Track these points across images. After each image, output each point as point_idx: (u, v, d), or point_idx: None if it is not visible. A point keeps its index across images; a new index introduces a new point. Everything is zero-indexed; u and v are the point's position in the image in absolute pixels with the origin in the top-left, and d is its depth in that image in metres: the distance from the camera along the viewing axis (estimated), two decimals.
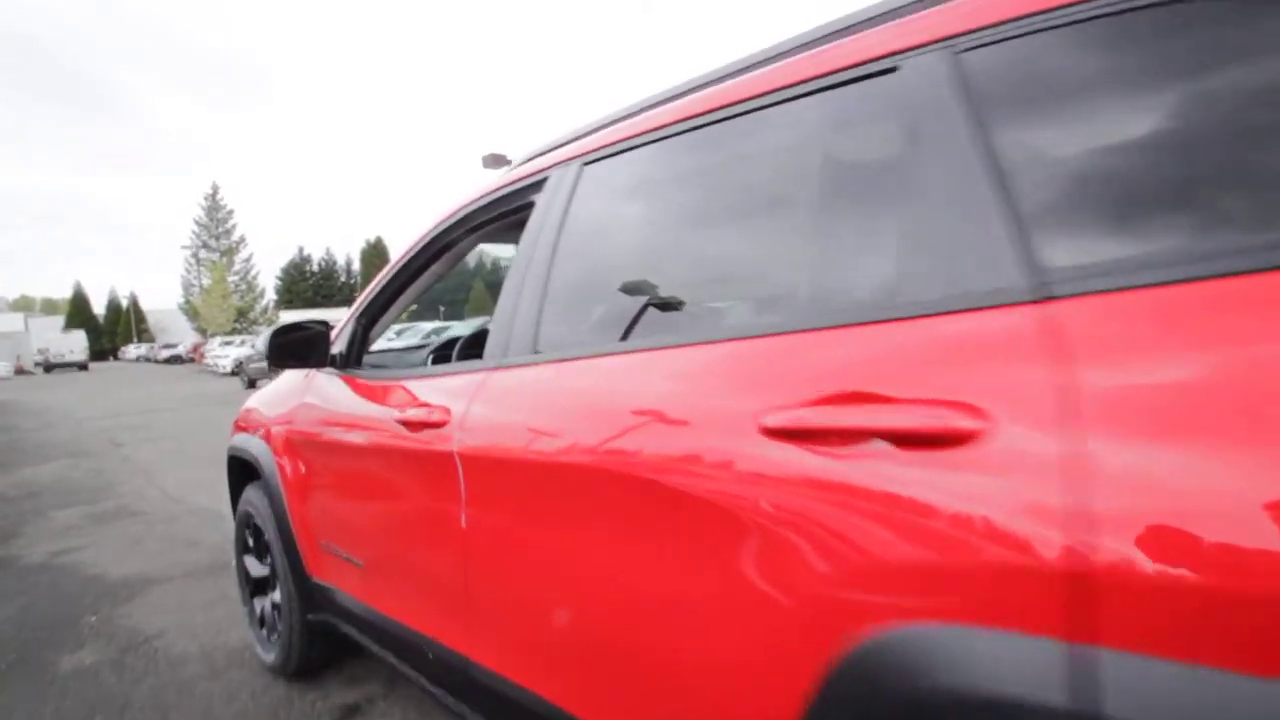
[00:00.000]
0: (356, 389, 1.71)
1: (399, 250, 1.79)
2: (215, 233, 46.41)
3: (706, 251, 1.12)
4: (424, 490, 1.36)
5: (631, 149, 1.16)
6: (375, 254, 59.94)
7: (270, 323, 43.75)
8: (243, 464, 2.21)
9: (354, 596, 1.67)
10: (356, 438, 1.60)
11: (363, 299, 1.88)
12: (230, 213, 47.26)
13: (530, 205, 1.36)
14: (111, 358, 50.34)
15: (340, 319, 1.97)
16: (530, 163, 1.43)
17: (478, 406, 1.22)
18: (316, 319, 1.90)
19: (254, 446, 2.11)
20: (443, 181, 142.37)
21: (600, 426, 0.98)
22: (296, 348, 1.77)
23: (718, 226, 1.10)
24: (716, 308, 1.13)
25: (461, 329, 17.92)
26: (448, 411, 1.28)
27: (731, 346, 0.89)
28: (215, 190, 47.15)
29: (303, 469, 1.90)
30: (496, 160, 5.48)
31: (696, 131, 1.06)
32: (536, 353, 1.18)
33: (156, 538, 3.95)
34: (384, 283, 1.82)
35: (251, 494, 2.18)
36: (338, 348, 1.87)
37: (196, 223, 46.46)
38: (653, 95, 1.20)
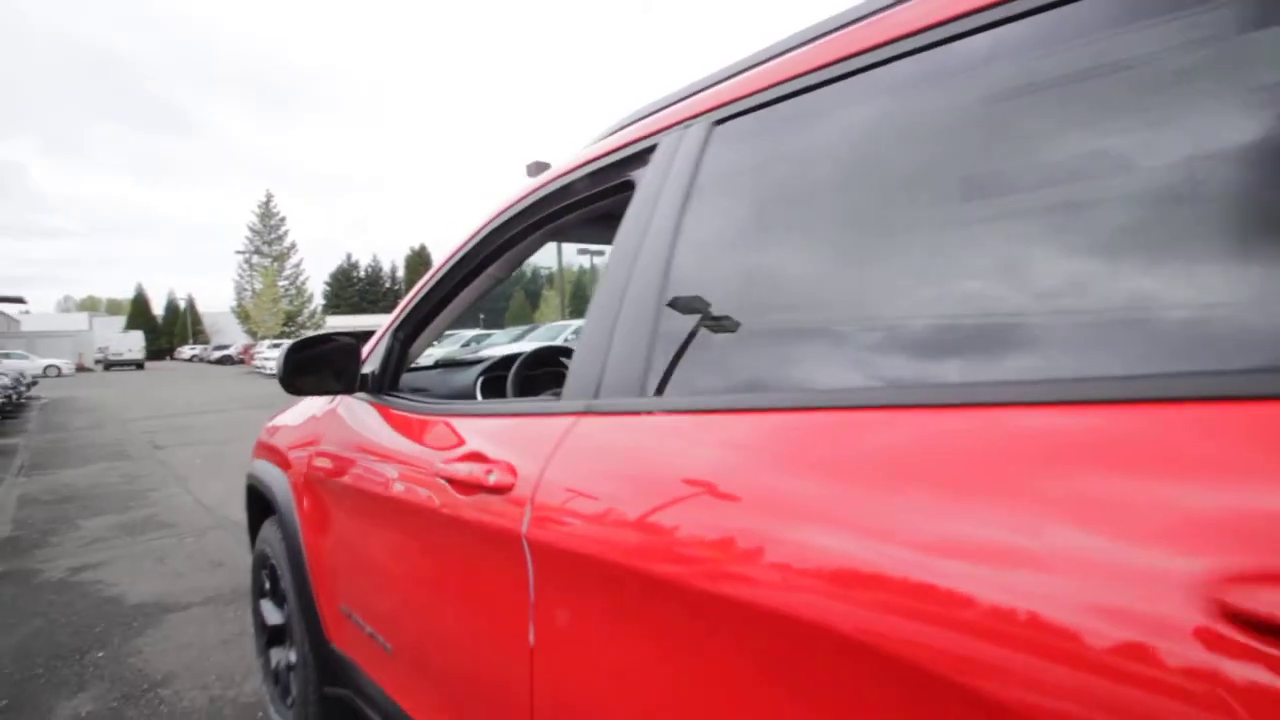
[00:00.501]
0: (391, 421, 1.36)
1: (443, 254, 1.45)
2: (268, 239, 47.85)
3: (934, 246, 0.66)
4: (476, 578, 0.99)
5: (794, 94, 0.78)
6: (420, 261, 61.20)
7: (318, 326, 44.77)
8: (260, 496, 1.89)
9: (379, 685, 1.32)
10: (387, 486, 1.25)
11: (400, 310, 1.54)
12: (282, 219, 48.69)
13: (627, 186, 0.99)
14: (168, 357, 52.22)
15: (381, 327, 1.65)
16: (625, 131, 1.06)
17: (560, 470, 0.84)
18: (359, 329, 1.58)
19: (271, 478, 1.79)
20: (483, 189, 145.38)
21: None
22: (319, 366, 1.44)
23: (949, 206, 0.67)
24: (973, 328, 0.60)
25: (502, 339, 17.50)
26: (513, 471, 0.91)
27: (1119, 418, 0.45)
28: (269, 198, 48.66)
29: (324, 512, 1.57)
30: (540, 168, 5.21)
31: (910, 60, 0.67)
32: (649, 395, 0.81)
33: (183, 554, 3.71)
34: (426, 291, 1.47)
35: (269, 531, 1.86)
36: (370, 367, 1.54)
37: (250, 229, 48.00)
38: (835, 17, 0.82)
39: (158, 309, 57.37)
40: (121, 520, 4.51)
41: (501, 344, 14.70)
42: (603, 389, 0.85)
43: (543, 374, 1.84)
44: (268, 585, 1.93)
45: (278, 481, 1.76)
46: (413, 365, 1.66)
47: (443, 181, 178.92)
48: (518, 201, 1.23)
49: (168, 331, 55.48)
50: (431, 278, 1.45)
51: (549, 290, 48.35)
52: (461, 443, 1.08)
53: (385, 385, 1.52)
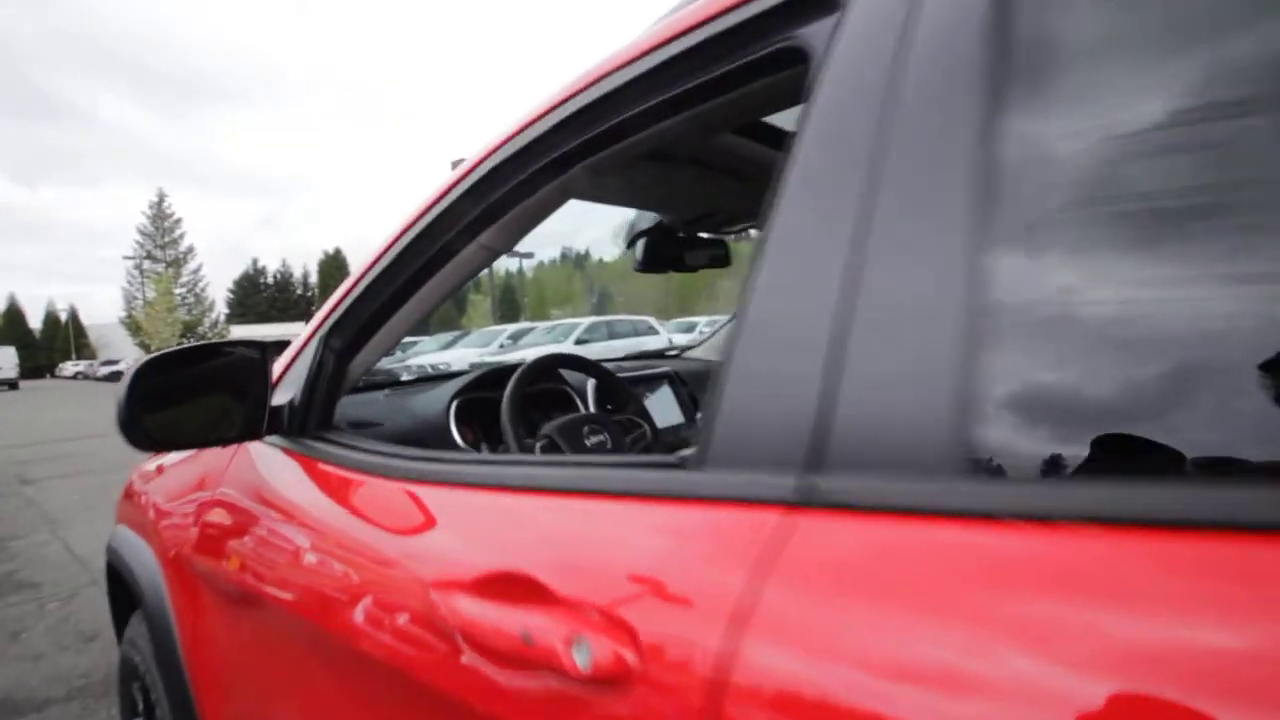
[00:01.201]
0: (325, 486, 0.89)
1: (400, 221, 0.97)
2: (161, 242, 44.08)
3: None
4: None
5: None
6: (335, 266, 58.09)
7: (221, 336, 41.66)
8: (120, 579, 1.34)
9: None
10: (324, 609, 0.76)
11: (332, 309, 1.06)
12: (177, 221, 45.01)
13: (787, 62, 0.57)
14: (47, 375, 47.29)
15: (298, 337, 1.14)
16: None
17: (776, 648, 0.38)
18: (269, 339, 1.09)
19: (135, 555, 1.26)
20: (404, 191, 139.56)
21: None
22: (197, 395, 0.94)
23: None
24: None
25: (431, 346, 16.69)
26: (633, 639, 0.44)
27: None
28: (161, 198, 44.91)
29: (217, 616, 1.05)
30: None
31: None
32: (964, 468, 0.36)
33: (45, 627, 2.98)
34: (371, 279, 0.99)
35: (136, 629, 1.31)
36: (286, 394, 1.05)
37: (141, 232, 44.08)
38: None
39: (35, 321, 51.85)
40: None
41: (430, 351, 13.85)
42: (833, 454, 0.42)
43: (534, 392, 1.38)
44: (140, 705, 1.37)
45: (142, 561, 1.23)
46: (353, 386, 1.16)
47: (359, 182, 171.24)
48: (534, 123, 0.76)
49: (47, 346, 50.26)
50: (380, 259, 0.97)
51: (476, 295, 46.92)
52: (471, 541, 0.62)
53: (313, 422, 1.03)
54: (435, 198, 0.91)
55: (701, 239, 1.56)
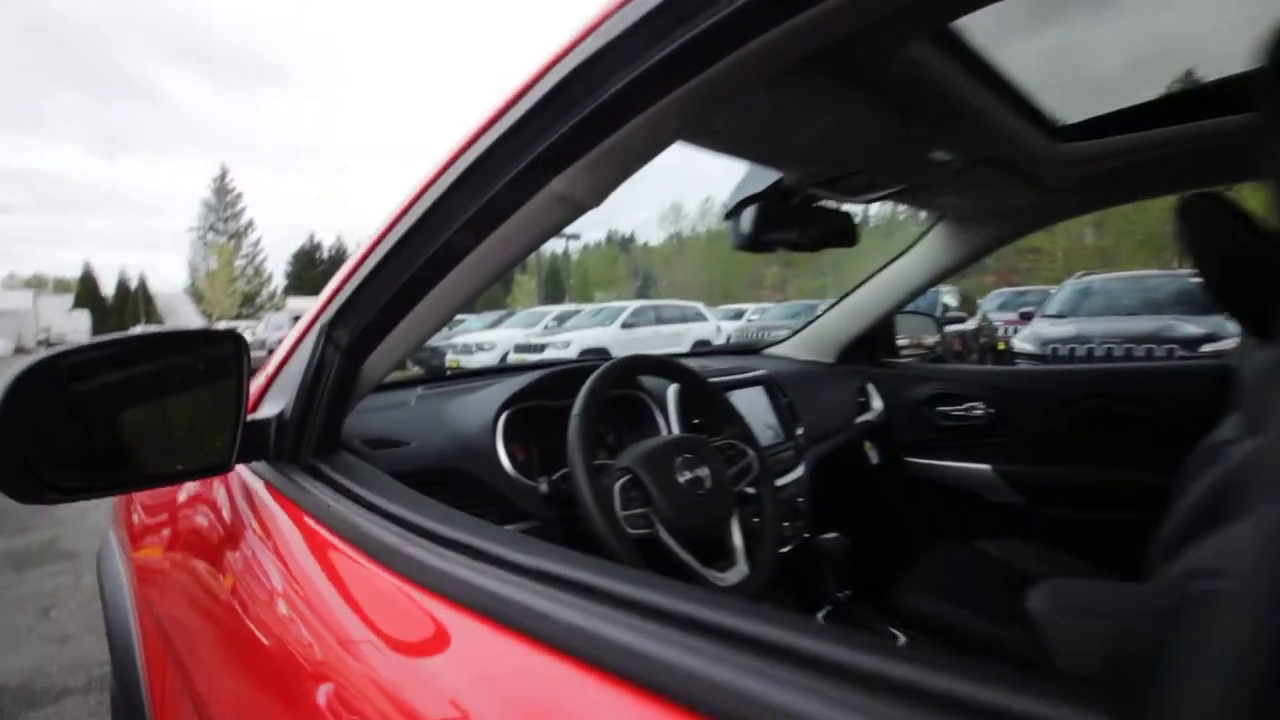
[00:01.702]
0: (304, 558, 0.60)
1: (443, 155, 0.65)
2: (223, 215, 45.55)
3: None
4: None
5: None
6: None
7: (278, 308, 42.94)
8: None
9: None
10: None
11: (339, 288, 0.77)
12: (239, 196, 46.41)
13: None
14: None
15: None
16: None
17: None
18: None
19: (109, 566, 1.04)
20: None
21: None
22: (140, 408, 0.66)
23: None
24: None
25: (477, 325, 16.77)
26: None
27: None
28: (224, 173, 46.33)
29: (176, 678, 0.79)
30: None
31: None
32: None
33: (76, 604, 2.87)
34: (399, 239, 0.69)
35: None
36: (277, 404, 0.76)
37: (204, 205, 45.63)
38: None
39: (108, 288, 54.48)
40: (8, 548, 3.61)
41: (476, 330, 13.77)
42: None
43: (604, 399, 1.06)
44: None
45: (112, 575, 0.99)
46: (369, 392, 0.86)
47: (413, 160, 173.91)
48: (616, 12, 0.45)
49: (118, 311, 52.73)
50: (405, 214, 0.66)
51: (522, 275, 47.09)
52: None
53: (310, 443, 0.74)
54: (483, 125, 0.59)
55: (826, 210, 1.21)
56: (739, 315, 16.75)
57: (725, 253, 55.48)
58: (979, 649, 1.22)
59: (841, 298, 1.99)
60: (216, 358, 0.72)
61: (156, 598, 0.86)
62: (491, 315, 16.23)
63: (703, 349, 2.81)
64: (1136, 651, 0.85)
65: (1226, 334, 5.74)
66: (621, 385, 1.20)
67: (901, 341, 2.13)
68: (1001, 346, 8.25)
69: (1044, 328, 6.94)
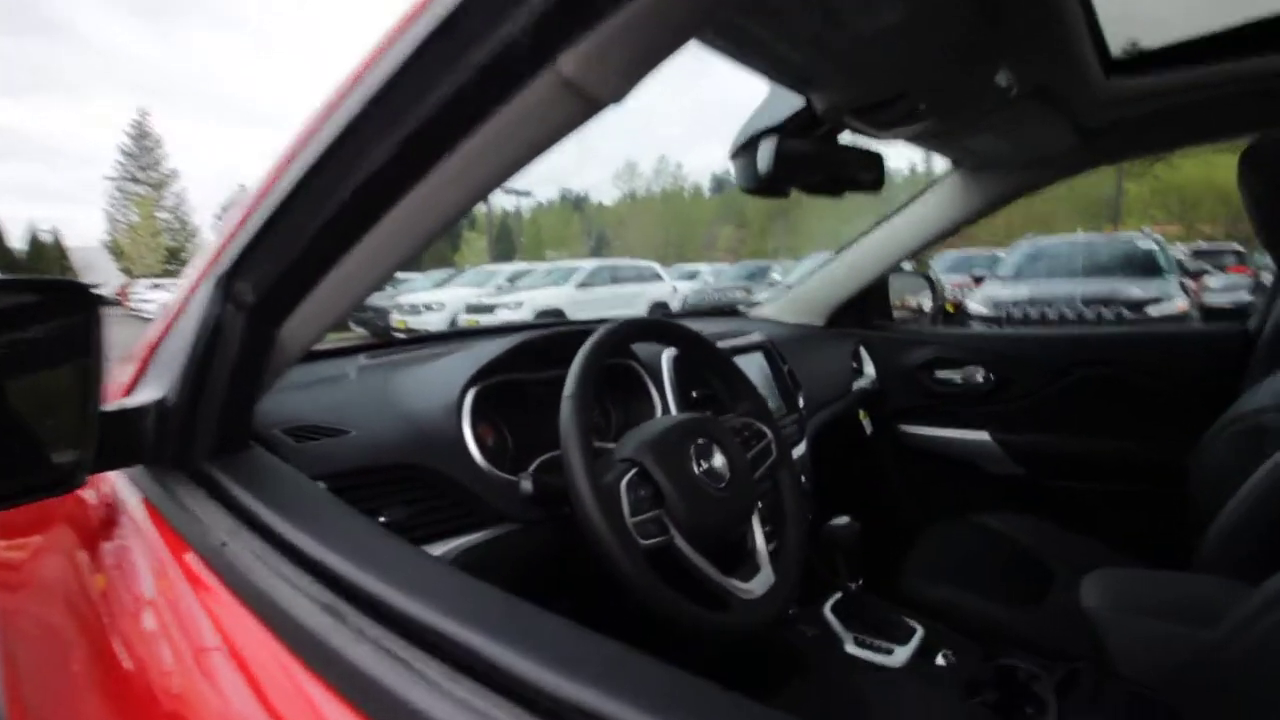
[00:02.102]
0: (227, 658, 0.41)
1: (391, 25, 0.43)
2: (143, 163, 42.23)
3: None
4: None
5: None
6: None
7: None
8: None
9: None
10: None
11: (238, 226, 0.53)
12: (159, 142, 43.05)
13: None
14: None
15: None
16: None
17: None
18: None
19: None
20: None
21: None
22: None
23: None
24: None
25: (424, 284, 16.28)
26: None
27: None
28: (143, 116, 42.81)
29: None
30: None
31: None
32: None
33: None
34: (328, 147, 0.47)
35: None
36: (153, 389, 0.54)
37: (123, 152, 42.17)
38: None
39: (18, 242, 50.17)
40: None
41: (423, 289, 13.17)
42: None
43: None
44: None
45: None
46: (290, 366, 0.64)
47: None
48: None
49: (31, 269, 48.75)
50: (329, 118, 0.44)
51: (470, 231, 45.57)
52: None
53: (205, 441, 0.54)
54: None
55: (853, 148, 1.03)
56: (694, 276, 16.58)
57: (680, 214, 55.07)
58: (994, 635, 1.12)
59: (833, 256, 1.83)
60: (67, 322, 0.50)
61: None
62: (439, 274, 15.57)
63: (686, 311, 2.62)
64: (1226, 665, 0.69)
65: (1170, 296, 5.92)
66: (618, 353, 1.01)
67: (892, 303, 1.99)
68: (951, 309, 8.37)
69: (997, 289, 7.04)
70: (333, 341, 1.10)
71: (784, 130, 0.95)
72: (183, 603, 0.45)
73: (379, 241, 0.49)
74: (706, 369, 0.95)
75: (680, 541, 0.72)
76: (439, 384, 0.86)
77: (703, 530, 0.73)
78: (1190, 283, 6.60)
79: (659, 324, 0.88)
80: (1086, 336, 1.63)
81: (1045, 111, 1.09)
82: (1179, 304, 5.82)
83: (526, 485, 0.73)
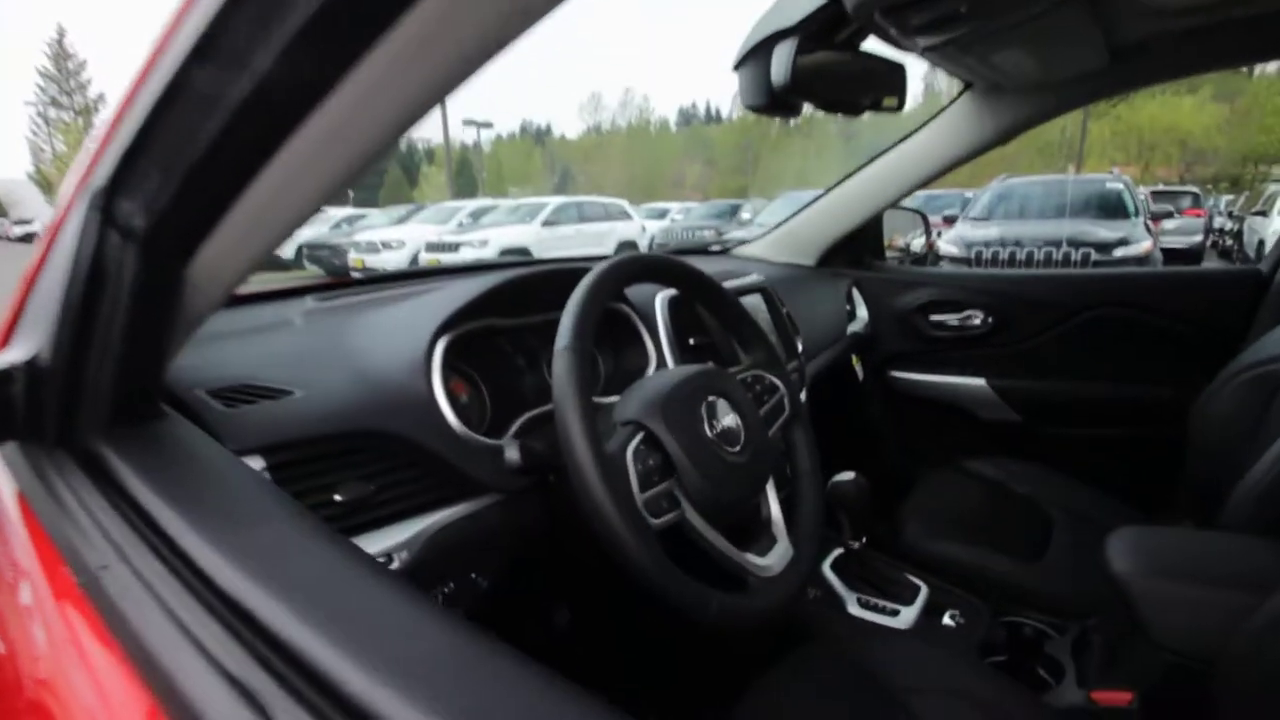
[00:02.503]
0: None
1: None
2: (66, 88, 38.90)
3: None
4: None
5: None
6: None
7: None
8: None
9: None
10: None
11: (118, 113, 0.38)
12: (83, 64, 39.59)
13: None
14: None
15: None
16: None
17: None
18: None
19: None
20: None
21: None
22: None
23: None
24: None
25: (382, 221, 15.75)
26: None
27: None
28: (61, 34, 39.15)
29: None
30: None
31: None
32: None
33: None
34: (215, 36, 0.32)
35: None
36: (25, 346, 0.40)
37: (42, 74, 38.69)
38: None
39: None
40: None
41: (382, 226, 12.58)
42: None
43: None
44: None
45: None
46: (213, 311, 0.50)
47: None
48: None
49: None
50: None
51: (429, 166, 43.68)
52: None
53: (100, 412, 0.40)
54: None
55: (877, 59, 0.89)
56: (663, 215, 16.22)
57: (647, 150, 53.62)
58: (998, 592, 1.08)
59: (825, 191, 1.70)
60: None
61: None
62: (397, 210, 14.89)
63: (669, 251, 2.48)
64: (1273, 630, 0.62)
65: (1138, 239, 5.97)
66: (616, 296, 0.88)
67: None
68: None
69: (968, 230, 7.01)
70: (280, 282, 0.95)
71: (803, 32, 0.81)
72: (46, 651, 0.33)
73: (299, 158, 0.35)
74: (713, 313, 0.83)
75: (693, 516, 0.62)
76: (404, 332, 0.73)
77: (718, 503, 0.64)
78: (1152, 225, 6.68)
79: (662, 262, 0.75)
80: (1095, 278, 1.56)
81: (1084, 22, 0.97)
82: (1145, 245, 5.88)
83: (513, 454, 0.62)
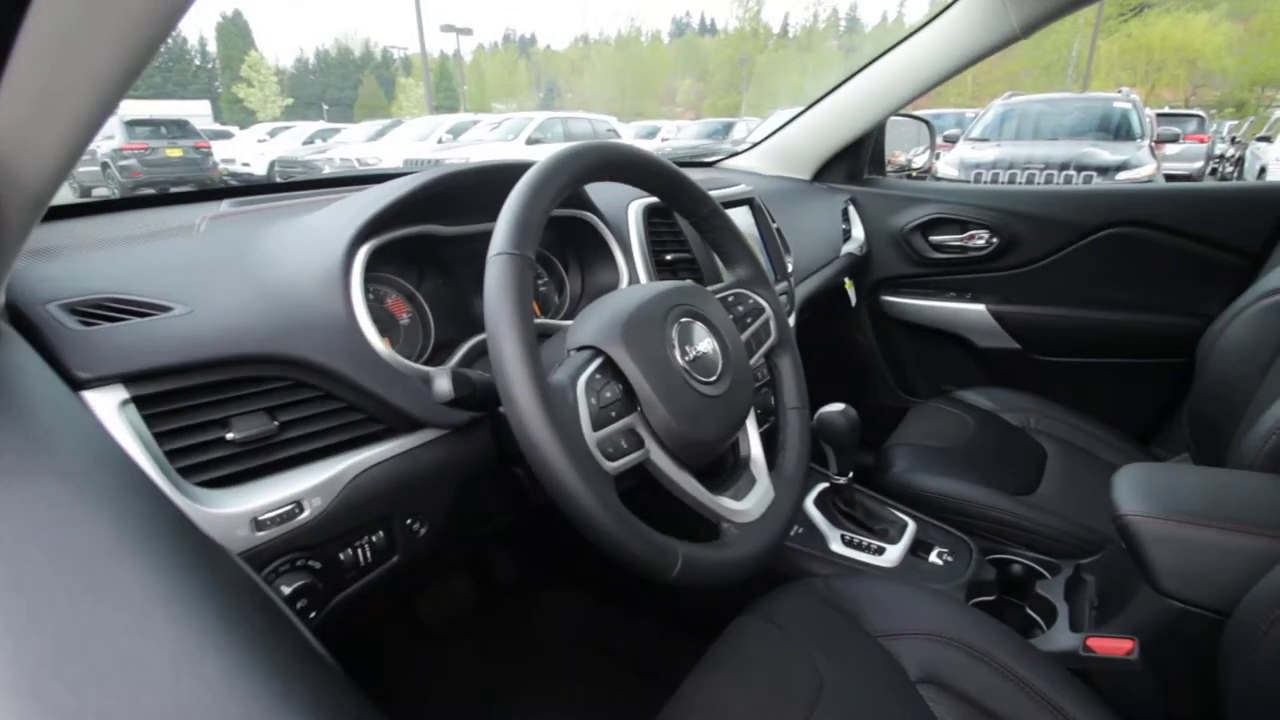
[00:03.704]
0: None
1: None
2: None
3: None
4: None
5: None
6: (237, 33, 50.19)
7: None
8: None
9: None
10: None
11: None
12: None
13: None
14: None
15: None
16: None
17: None
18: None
19: None
20: None
21: None
22: None
23: None
24: None
25: (358, 136, 15.04)
26: None
27: None
28: None
29: None
30: None
31: None
32: None
33: None
34: None
35: None
36: None
37: None
38: None
39: None
40: None
41: (357, 142, 11.98)
42: None
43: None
44: None
45: None
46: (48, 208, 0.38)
47: None
48: None
49: None
50: None
51: (407, 78, 41.41)
52: None
53: None
54: None
55: None
56: (653, 134, 15.55)
57: (637, 62, 51.05)
58: (987, 528, 1.02)
59: (823, 96, 1.54)
60: None
61: None
62: (373, 125, 14.17)
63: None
64: None
65: (1141, 162, 5.77)
66: (571, 198, 0.76)
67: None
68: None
69: (968, 151, 6.75)
70: (164, 179, 0.81)
71: None
72: None
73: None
74: (692, 222, 0.72)
75: (659, 457, 0.53)
76: (317, 239, 0.61)
77: (689, 442, 0.55)
78: (1155, 149, 6.46)
79: (627, 154, 0.62)
80: (1112, 193, 1.44)
81: None
82: (1148, 170, 5.69)
83: (443, 384, 0.51)
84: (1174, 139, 7.00)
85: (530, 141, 10.27)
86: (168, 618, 0.21)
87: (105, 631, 0.20)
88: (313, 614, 0.52)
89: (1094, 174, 5.73)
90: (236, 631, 0.21)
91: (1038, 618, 0.88)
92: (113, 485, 0.28)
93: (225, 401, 0.49)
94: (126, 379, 0.45)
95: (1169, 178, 7.42)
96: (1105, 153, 5.99)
